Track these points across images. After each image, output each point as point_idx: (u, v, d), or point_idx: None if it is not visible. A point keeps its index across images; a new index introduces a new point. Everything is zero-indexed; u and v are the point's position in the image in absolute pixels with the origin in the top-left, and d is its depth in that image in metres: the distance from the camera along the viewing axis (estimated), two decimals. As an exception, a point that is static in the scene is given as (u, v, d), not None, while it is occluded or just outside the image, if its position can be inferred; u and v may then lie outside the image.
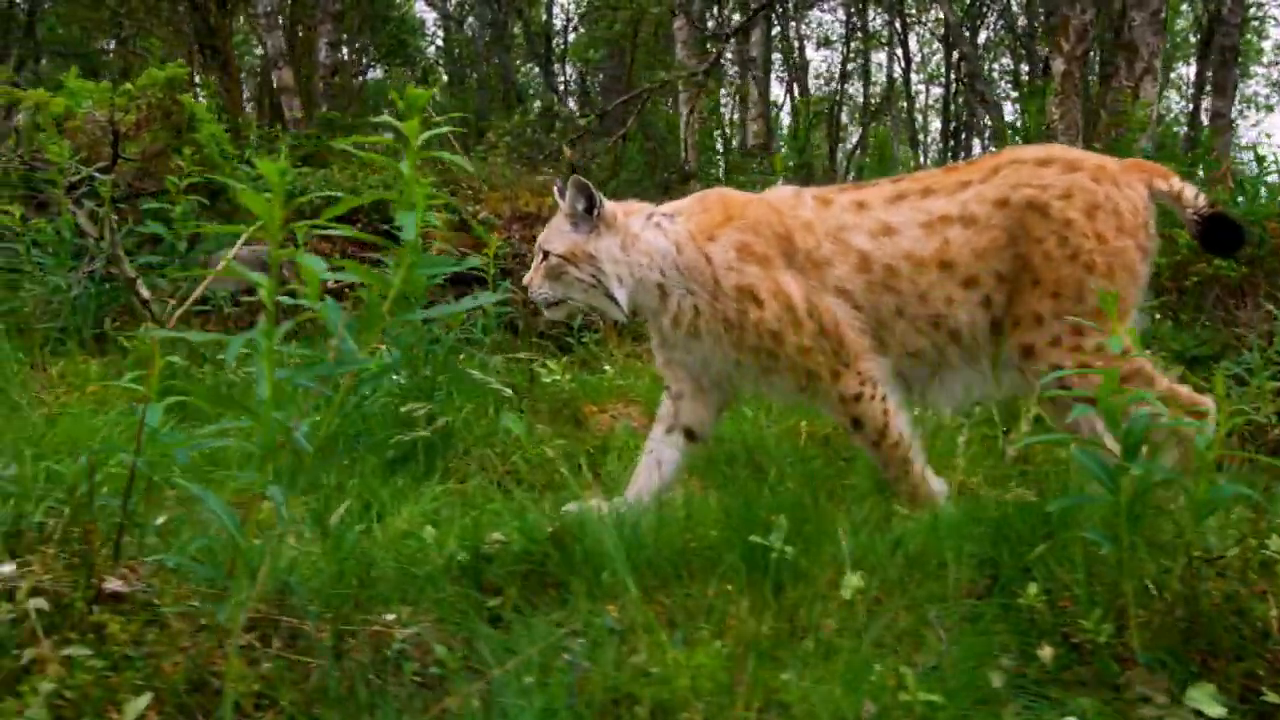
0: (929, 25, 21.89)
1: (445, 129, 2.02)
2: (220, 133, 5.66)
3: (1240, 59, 16.69)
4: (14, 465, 2.19)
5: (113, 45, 22.24)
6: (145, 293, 5.43)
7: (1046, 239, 3.12)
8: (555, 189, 3.55)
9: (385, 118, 2.05)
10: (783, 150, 7.95)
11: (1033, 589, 2.36)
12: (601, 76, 24.34)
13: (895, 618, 2.37)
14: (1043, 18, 16.03)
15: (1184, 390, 3.20)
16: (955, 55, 20.36)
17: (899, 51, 21.59)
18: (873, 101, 22.62)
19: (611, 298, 3.33)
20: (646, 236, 3.33)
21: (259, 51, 20.09)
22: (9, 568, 1.80)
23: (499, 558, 2.64)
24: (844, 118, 23.14)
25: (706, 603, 2.40)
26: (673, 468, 3.48)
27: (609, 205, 3.38)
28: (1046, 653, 2.25)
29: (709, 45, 9.20)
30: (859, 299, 3.23)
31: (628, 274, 3.32)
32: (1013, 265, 3.17)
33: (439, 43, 23.60)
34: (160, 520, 2.20)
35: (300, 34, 13.14)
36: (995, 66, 21.18)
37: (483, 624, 2.31)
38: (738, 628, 2.31)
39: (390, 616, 2.13)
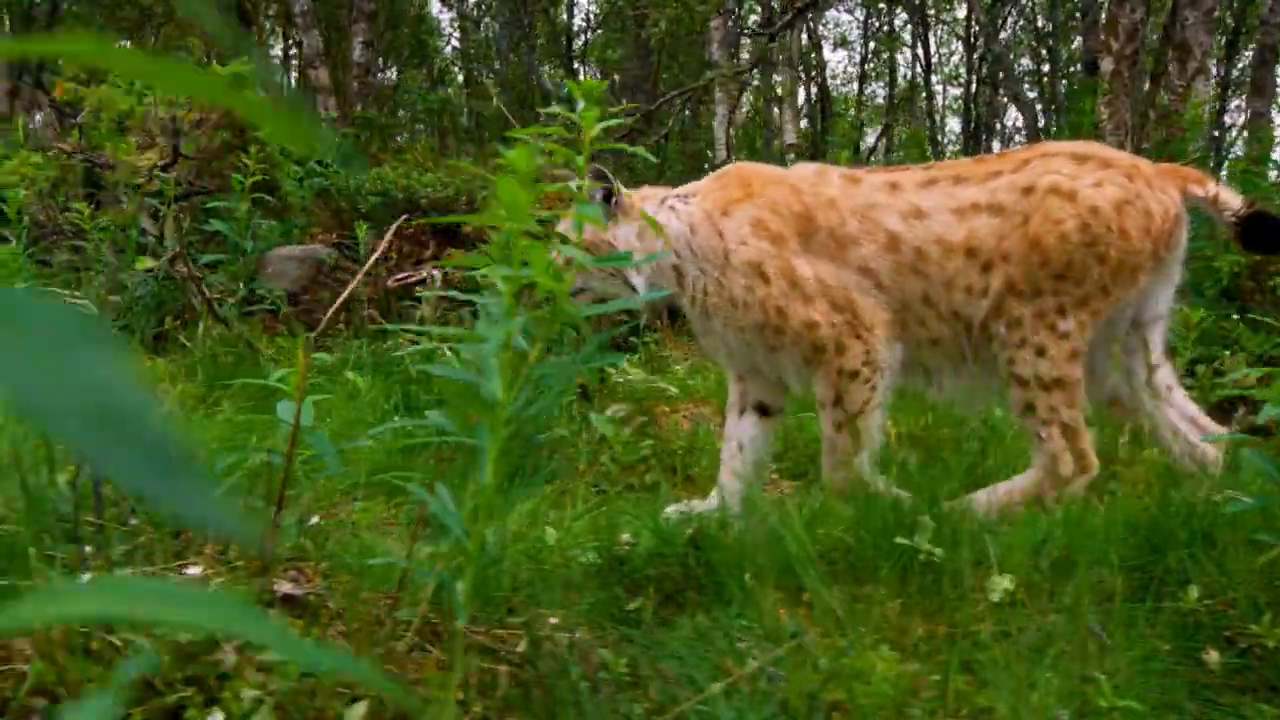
0: (948, 24, 21.82)
1: (618, 120, 1.96)
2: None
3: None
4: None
5: (129, 45, 22.30)
6: (207, 291, 5.39)
7: (1066, 221, 3.05)
8: (573, 184, 3.53)
9: (554, 108, 1.99)
10: (838, 151, 7.90)
11: (1194, 592, 2.31)
12: (616, 77, 24.34)
13: (1049, 621, 2.32)
14: (1074, 17, 15.95)
15: (1087, 436, 3.14)
16: (975, 55, 20.30)
17: (919, 51, 21.55)
18: (893, 101, 22.56)
19: (630, 285, 3.32)
20: (661, 220, 3.31)
21: (275, 51, 20.08)
22: (196, 570, 1.75)
23: (629, 560, 2.59)
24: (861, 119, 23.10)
25: (860, 605, 2.34)
26: (754, 447, 3.46)
27: (626, 193, 3.37)
28: (1213, 657, 2.20)
29: (753, 43, 9.12)
30: (884, 279, 3.19)
31: (644, 261, 3.30)
32: (1021, 245, 3.10)
33: (455, 43, 23.58)
34: (312, 521, 2.15)
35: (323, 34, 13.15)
36: (1017, 67, 21.10)
37: (632, 628, 2.26)
38: (896, 631, 2.26)
39: (554, 620, 2.08)
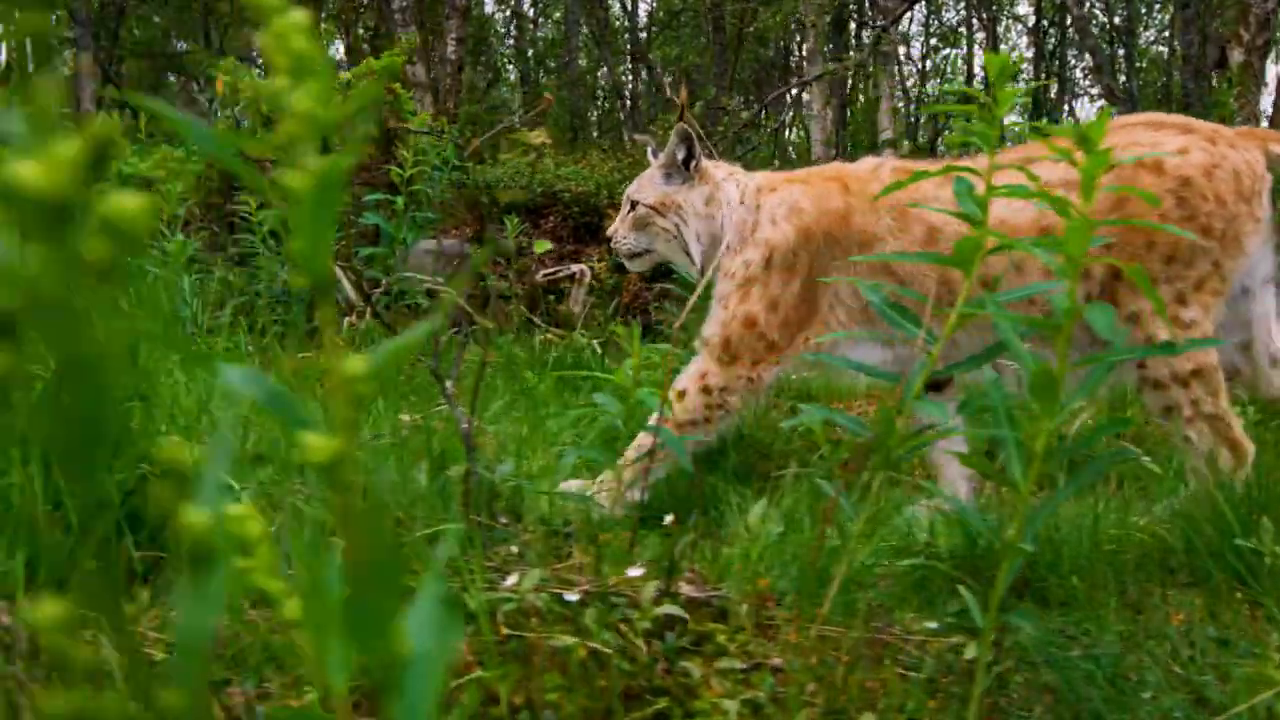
0: (1016, 19, 21.56)
1: (1023, 95, 1.85)
2: (425, 123, 5.54)
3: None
4: (510, 461, 2.05)
5: (183, 48, 22.45)
6: (351, 288, 5.32)
7: (1164, 198, 2.87)
8: (649, 150, 3.59)
9: (959, 86, 1.88)
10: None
11: None
12: (673, 74, 24.26)
13: None
14: (1150, 10, 15.67)
15: (1237, 424, 2.92)
16: (1046, 49, 20.05)
17: (985, 42, 21.29)
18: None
19: (688, 253, 3.33)
20: (725, 187, 3.32)
21: (331, 51, 20.12)
22: (637, 570, 1.65)
23: (941, 560, 2.48)
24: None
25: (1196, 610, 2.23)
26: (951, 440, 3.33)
27: (706, 161, 3.37)
28: None
29: (864, 38, 8.99)
30: (905, 276, 3.05)
31: (705, 230, 3.30)
32: (1120, 229, 2.88)
33: (510, 41, 23.58)
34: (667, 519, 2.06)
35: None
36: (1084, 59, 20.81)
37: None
38: (1249, 639, 2.14)
39: (932, 625, 1.98)
